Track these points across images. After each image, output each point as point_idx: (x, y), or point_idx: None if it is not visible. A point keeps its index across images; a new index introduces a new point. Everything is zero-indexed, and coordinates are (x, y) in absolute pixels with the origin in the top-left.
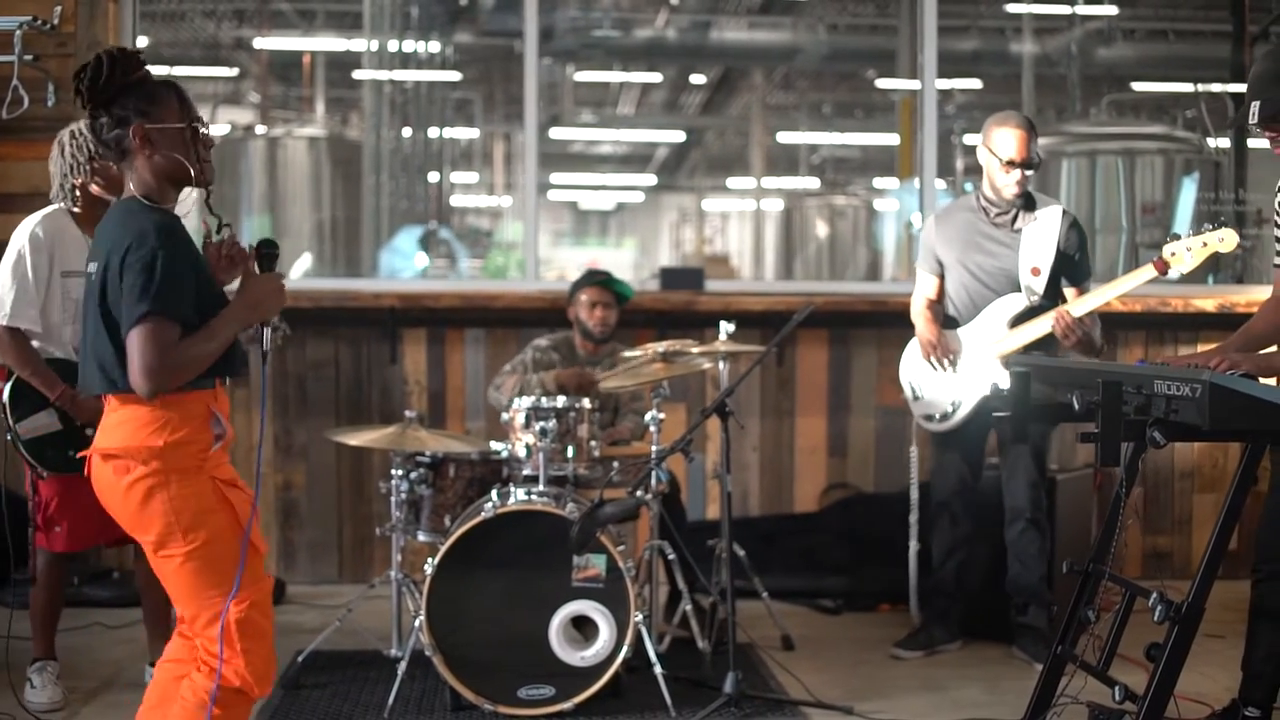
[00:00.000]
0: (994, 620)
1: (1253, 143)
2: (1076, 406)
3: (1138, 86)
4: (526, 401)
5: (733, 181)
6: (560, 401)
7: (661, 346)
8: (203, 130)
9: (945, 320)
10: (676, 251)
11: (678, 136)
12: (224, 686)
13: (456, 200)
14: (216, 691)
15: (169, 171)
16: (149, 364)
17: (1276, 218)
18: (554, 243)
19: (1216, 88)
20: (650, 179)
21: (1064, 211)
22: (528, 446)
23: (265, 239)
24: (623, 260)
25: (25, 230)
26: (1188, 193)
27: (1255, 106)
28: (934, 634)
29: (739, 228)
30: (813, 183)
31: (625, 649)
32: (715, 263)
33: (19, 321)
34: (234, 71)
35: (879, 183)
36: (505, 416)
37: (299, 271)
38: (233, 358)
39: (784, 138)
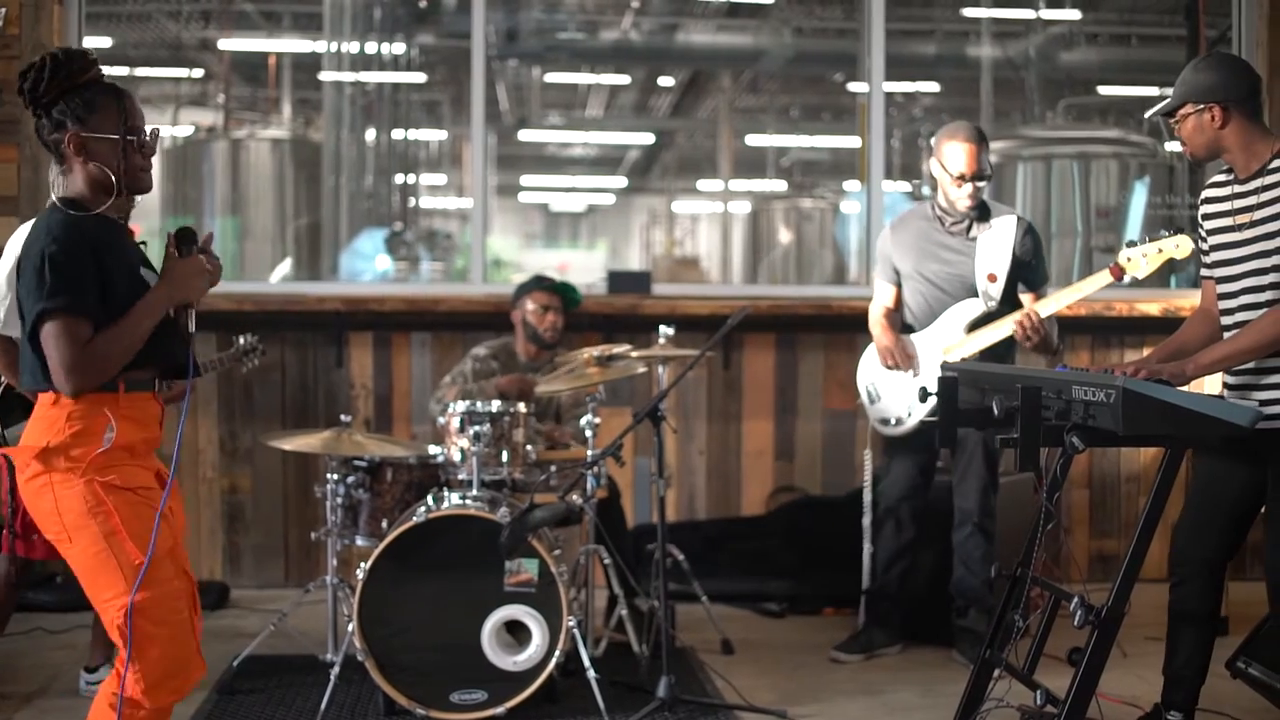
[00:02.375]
0: (935, 624)
1: None
2: (996, 412)
3: (1100, 90)
4: (461, 406)
5: (702, 184)
6: (495, 406)
7: (597, 350)
8: (145, 139)
9: (902, 328)
10: (646, 254)
11: (647, 139)
12: (125, 695)
13: (424, 202)
14: (120, 702)
15: (99, 180)
16: (63, 360)
17: (1200, 229)
18: (525, 245)
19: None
20: (621, 181)
21: (1019, 218)
22: (462, 451)
23: (181, 227)
24: (594, 263)
25: (18, 237)
26: (1140, 197)
27: (1162, 102)
28: (874, 637)
29: (709, 230)
30: (780, 185)
31: (558, 653)
32: (685, 265)
33: (11, 330)
34: (199, 73)
35: (847, 185)
36: (441, 421)
37: (279, 276)
38: (152, 358)
39: (752, 140)
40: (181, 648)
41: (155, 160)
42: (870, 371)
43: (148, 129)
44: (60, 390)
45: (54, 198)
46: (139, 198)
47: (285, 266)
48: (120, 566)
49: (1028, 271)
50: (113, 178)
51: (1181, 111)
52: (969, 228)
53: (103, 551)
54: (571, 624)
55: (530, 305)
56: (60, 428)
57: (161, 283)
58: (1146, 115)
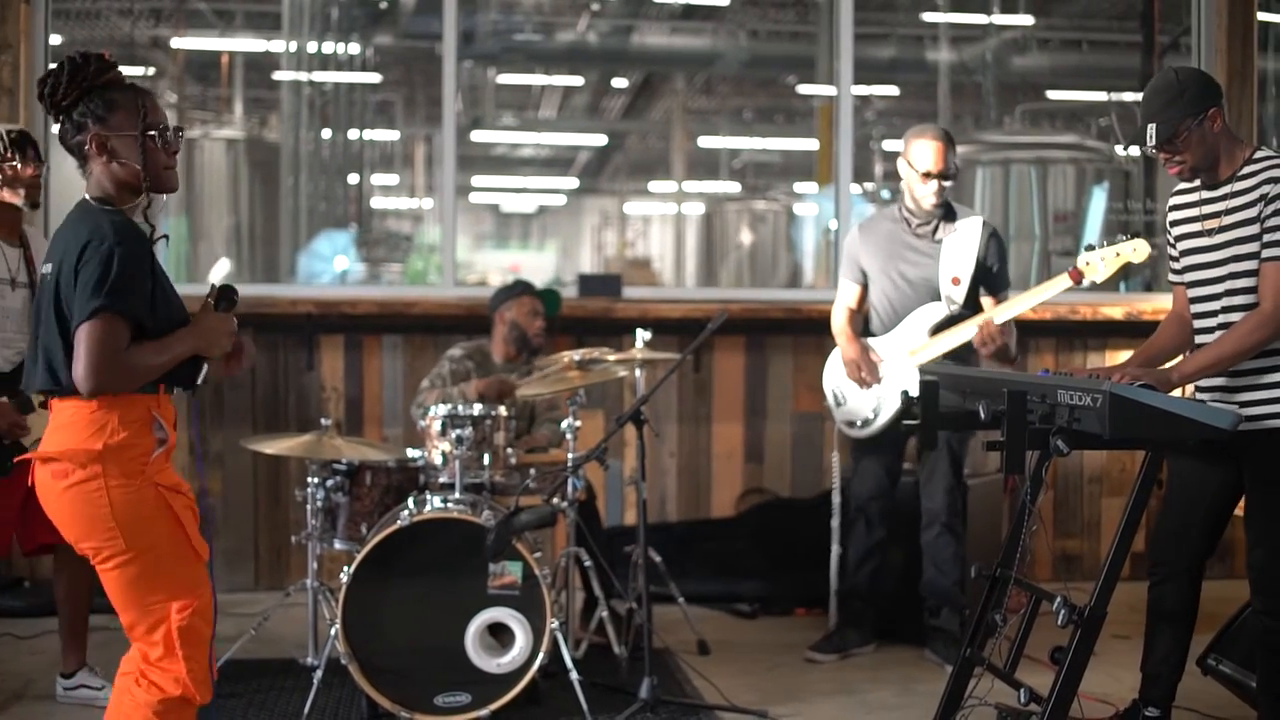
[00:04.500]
0: (907, 623)
1: None
2: (983, 415)
3: (1053, 95)
4: (443, 409)
5: (654, 185)
6: (476, 409)
7: (577, 354)
8: (167, 137)
9: (865, 329)
10: (598, 255)
11: (600, 140)
12: (167, 697)
13: (377, 203)
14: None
15: (124, 179)
16: (94, 361)
17: (1168, 232)
18: (475, 246)
19: (1128, 97)
20: (572, 182)
21: (984, 223)
22: (444, 454)
23: (226, 285)
24: (544, 264)
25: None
26: (1098, 202)
27: (1151, 129)
28: (848, 637)
29: (660, 231)
30: (734, 187)
31: (541, 655)
32: (637, 267)
33: None
34: (150, 71)
35: (799, 188)
36: (422, 424)
37: (217, 277)
38: (182, 370)
39: (705, 142)
40: (211, 648)
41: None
42: (836, 376)
43: (171, 127)
44: (77, 388)
45: (86, 197)
46: (165, 198)
47: (224, 266)
48: (187, 566)
49: (991, 276)
50: (140, 175)
51: (1182, 129)
52: (935, 230)
53: (166, 555)
54: (554, 626)
55: (520, 310)
56: (113, 429)
57: (193, 328)
58: (1146, 146)
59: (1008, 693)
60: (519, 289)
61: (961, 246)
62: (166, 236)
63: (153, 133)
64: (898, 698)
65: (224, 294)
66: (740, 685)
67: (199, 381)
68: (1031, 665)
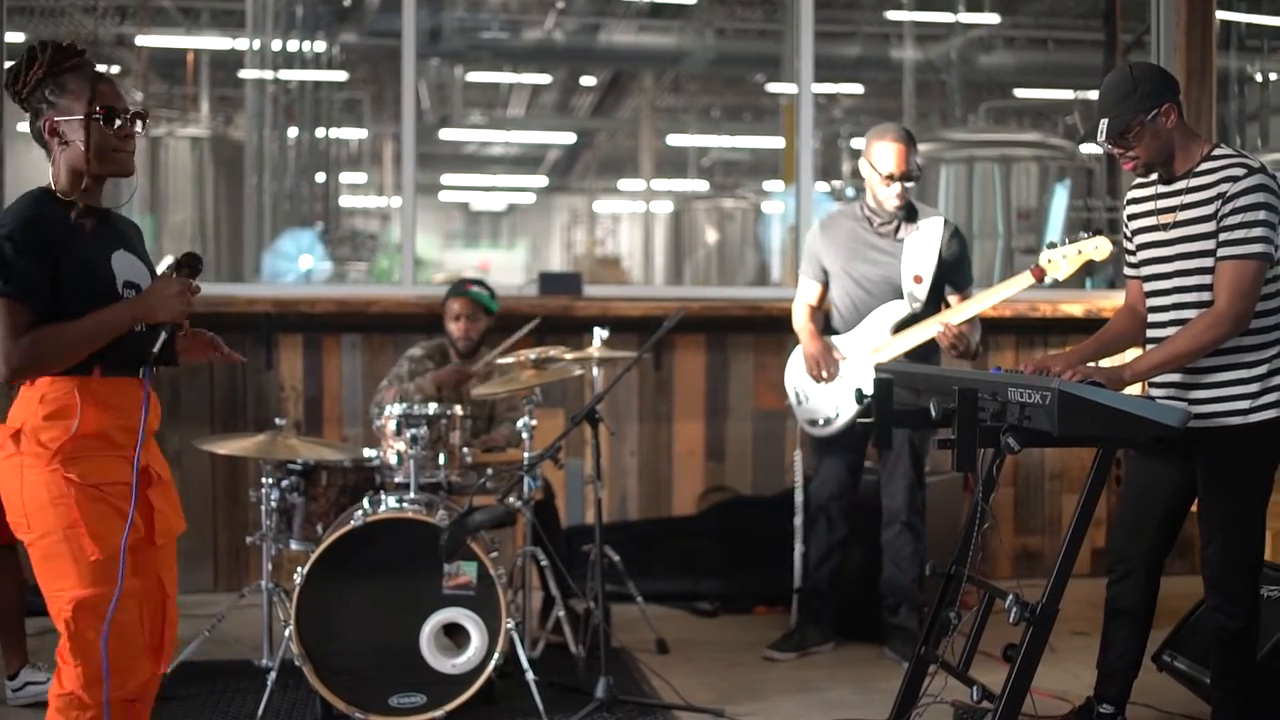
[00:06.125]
0: (867, 621)
1: None
2: (934, 414)
3: (1018, 93)
4: (397, 409)
5: (623, 184)
6: (432, 408)
7: (534, 353)
8: (118, 118)
9: (827, 327)
10: (568, 253)
11: (568, 138)
12: (63, 692)
13: (345, 201)
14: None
15: (74, 163)
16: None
17: (1125, 226)
18: (446, 244)
19: (1093, 95)
20: (542, 180)
21: (945, 221)
22: (399, 454)
23: (190, 252)
24: (514, 262)
25: None
26: (1060, 199)
27: (1104, 124)
28: (808, 635)
29: (630, 229)
30: (702, 185)
31: (497, 656)
32: (606, 265)
33: None
34: (115, 69)
35: (768, 186)
36: (378, 424)
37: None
38: (131, 346)
39: (673, 140)
40: (127, 645)
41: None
42: (797, 374)
43: (125, 109)
44: None
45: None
46: (134, 188)
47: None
48: (75, 560)
49: (953, 273)
50: (85, 157)
51: (1134, 123)
52: (897, 229)
53: (59, 543)
54: (510, 626)
55: (448, 312)
56: (34, 410)
57: (136, 298)
58: (1098, 141)
59: (965, 690)
60: (450, 290)
61: (923, 245)
62: (93, 215)
63: (98, 113)
64: (855, 695)
65: (186, 260)
66: (698, 684)
67: (155, 351)
68: (990, 662)
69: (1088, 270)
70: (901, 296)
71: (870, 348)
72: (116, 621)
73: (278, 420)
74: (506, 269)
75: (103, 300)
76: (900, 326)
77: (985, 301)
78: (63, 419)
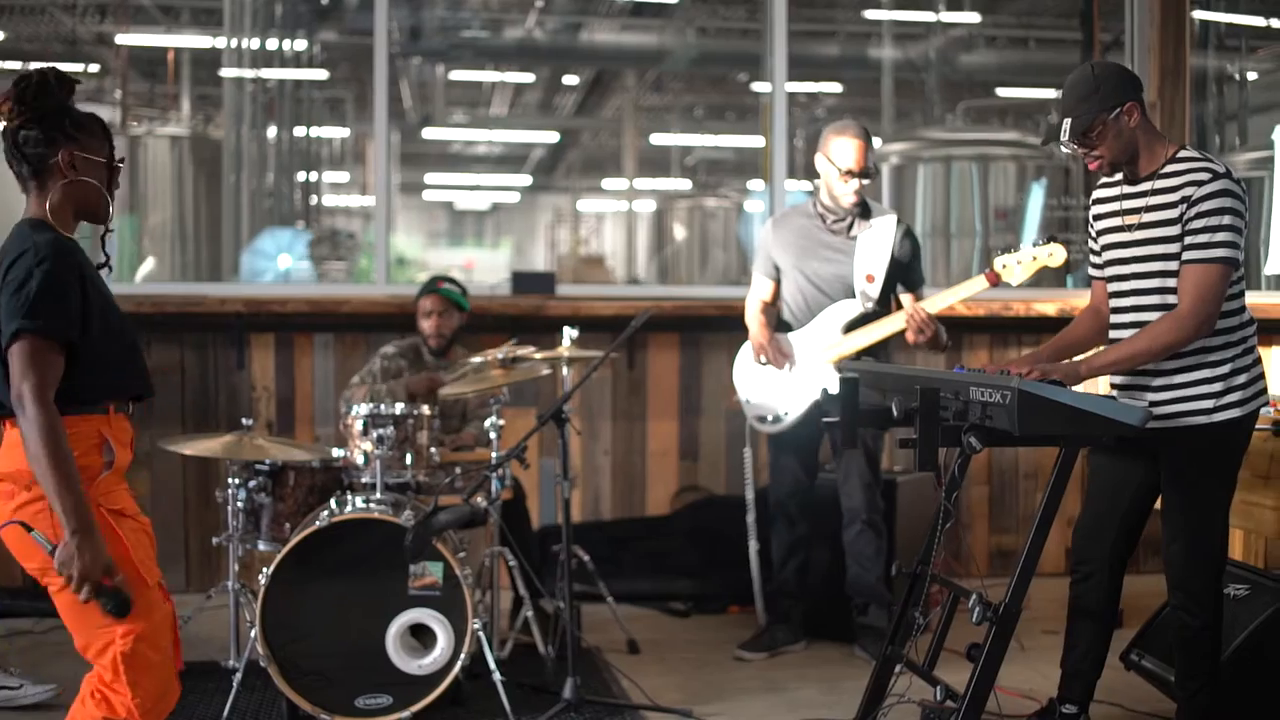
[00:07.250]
0: (836, 621)
1: None
2: (896, 413)
3: (1000, 92)
4: (364, 408)
5: (607, 183)
6: (398, 408)
7: (501, 352)
8: (118, 168)
9: (780, 325)
10: (552, 252)
11: (552, 137)
12: (114, 718)
13: (327, 200)
14: None
15: (82, 201)
16: (24, 384)
17: (1090, 228)
18: (430, 244)
19: None
20: (525, 179)
21: (898, 220)
22: (365, 454)
23: (125, 597)
24: (499, 261)
25: None
26: (1036, 198)
27: (1066, 124)
28: (777, 635)
29: (614, 228)
30: (685, 184)
31: (463, 656)
32: (590, 264)
33: None
34: (95, 68)
35: (751, 184)
36: (344, 423)
37: (142, 274)
38: (130, 381)
39: (656, 139)
40: (168, 672)
41: None
42: (743, 370)
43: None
44: (14, 411)
45: (33, 214)
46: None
47: (149, 265)
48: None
49: (906, 273)
50: (103, 201)
51: (1097, 122)
52: (850, 226)
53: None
54: (476, 626)
55: (420, 310)
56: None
57: (91, 541)
58: (1061, 140)
59: (931, 689)
60: (422, 288)
61: (876, 244)
62: (108, 263)
63: (120, 161)
64: (824, 695)
65: (115, 598)
66: (667, 684)
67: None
68: (957, 662)
69: (1067, 269)
70: (854, 295)
71: (823, 346)
72: (161, 649)
73: (244, 420)
74: (491, 268)
75: (119, 334)
76: (852, 326)
77: (940, 302)
78: (93, 456)
